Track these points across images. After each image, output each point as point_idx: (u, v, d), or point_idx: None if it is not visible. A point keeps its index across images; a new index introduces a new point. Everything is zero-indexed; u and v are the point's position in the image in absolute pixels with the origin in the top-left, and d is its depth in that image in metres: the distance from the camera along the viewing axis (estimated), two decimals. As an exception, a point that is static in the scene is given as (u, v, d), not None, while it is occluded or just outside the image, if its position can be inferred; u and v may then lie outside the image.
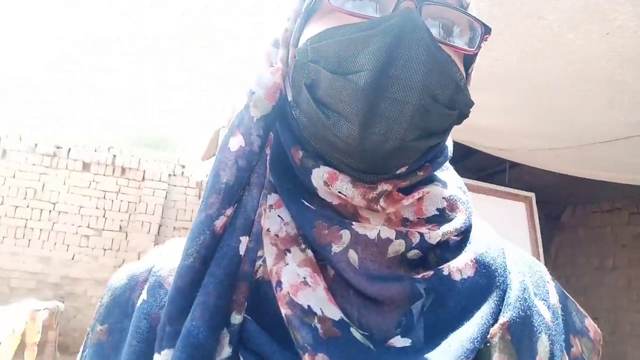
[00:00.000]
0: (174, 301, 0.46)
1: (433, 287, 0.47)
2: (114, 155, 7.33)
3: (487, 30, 0.50)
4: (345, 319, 0.45)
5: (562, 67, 1.95)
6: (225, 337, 0.45)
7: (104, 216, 7.19)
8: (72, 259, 6.98)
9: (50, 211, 7.05)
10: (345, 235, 0.47)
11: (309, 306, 0.44)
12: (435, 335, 0.45)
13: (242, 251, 0.48)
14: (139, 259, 0.60)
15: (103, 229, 7.16)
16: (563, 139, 2.74)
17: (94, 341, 0.54)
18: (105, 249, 7.11)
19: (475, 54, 0.52)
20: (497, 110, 2.48)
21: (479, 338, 0.44)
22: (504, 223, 3.33)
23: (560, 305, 0.55)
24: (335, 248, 0.47)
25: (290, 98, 0.53)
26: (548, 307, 0.52)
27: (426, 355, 0.43)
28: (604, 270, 6.00)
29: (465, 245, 0.51)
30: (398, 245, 0.48)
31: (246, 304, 0.47)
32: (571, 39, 1.73)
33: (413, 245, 0.48)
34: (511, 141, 3.04)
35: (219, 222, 0.48)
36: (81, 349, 0.56)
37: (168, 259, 0.54)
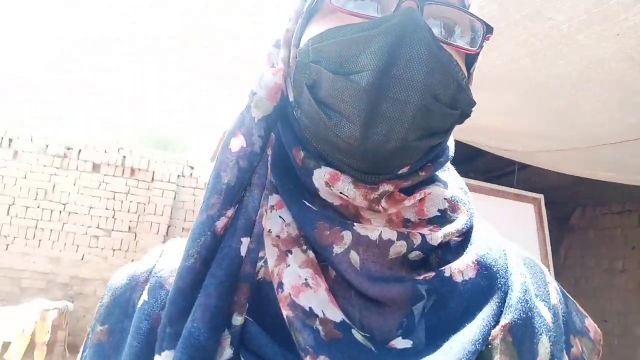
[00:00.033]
0: (174, 302, 0.46)
1: (434, 288, 0.47)
2: (124, 157, 7.36)
3: (489, 29, 0.50)
4: (346, 320, 0.45)
5: (571, 69, 1.93)
6: (226, 339, 0.45)
7: (113, 217, 7.23)
8: (82, 259, 7.02)
9: (60, 212, 7.09)
10: (347, 236, 0.47)
11: (310, 308, 0.44)
12: (436, 336, 0.45)
13: (243, 252, 0.48)
14: (148, 259, 0.60)
15: (112, 230, 7.19)
16: (572, 140, 2.71)
17: (94, 341, 0.54)
18: (114, 250, 7.14)
19: (477, 54, 0.51)
20: (503, 111, 2.47)
21: (480, 340, 0.44)
22: (513, 225, 3.31)
23: (561, 306, 0.55)
24: (337, 249, 0.47)
25: (291, 98, 0.52)
26: (549, 308, 0.52)
27: (427, 357, 0.43)
28: (614, 272, 5.94)
29: (467, 247, 0.51)
30: (399, 247, 0.48)
31: (247, 305, 0.46)
32: (581, 40, 1.72)
33: (414, 246, 0.48)
34: (518, 142, 3.02)
35: (220, 223, 0.48)
36: (81, 349, 0.56)
37: (169, 260, 0.54)
